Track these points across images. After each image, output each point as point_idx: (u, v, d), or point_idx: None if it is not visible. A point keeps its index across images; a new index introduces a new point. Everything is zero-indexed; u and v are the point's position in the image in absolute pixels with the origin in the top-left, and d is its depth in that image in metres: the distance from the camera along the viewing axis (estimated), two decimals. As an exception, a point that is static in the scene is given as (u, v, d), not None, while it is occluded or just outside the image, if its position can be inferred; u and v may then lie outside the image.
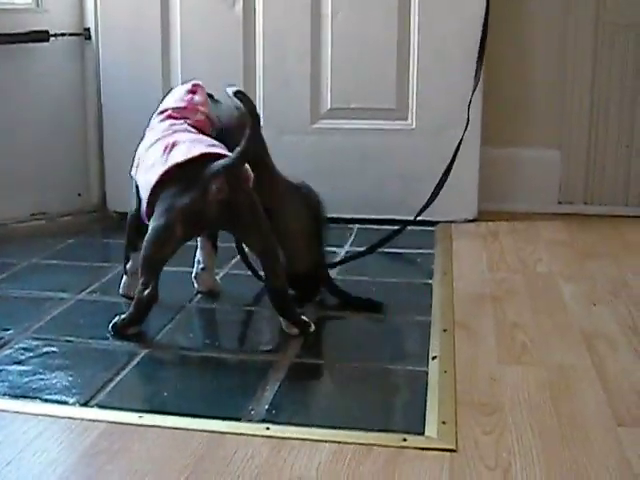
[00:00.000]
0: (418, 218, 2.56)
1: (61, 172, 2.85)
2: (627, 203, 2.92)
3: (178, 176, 1.75)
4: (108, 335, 1.81)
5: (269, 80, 2.76)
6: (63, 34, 2.77)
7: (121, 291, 2.08)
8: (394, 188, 2.73)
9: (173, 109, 1.95)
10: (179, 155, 1.77)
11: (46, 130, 2.80)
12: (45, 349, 1.74)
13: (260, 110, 2.69)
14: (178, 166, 1.75)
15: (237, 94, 1.74)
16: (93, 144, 2.91)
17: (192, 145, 1.80)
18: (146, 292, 1.77)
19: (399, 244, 2.44)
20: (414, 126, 2.73)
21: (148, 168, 1.83)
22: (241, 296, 2.09)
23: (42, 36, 2.70)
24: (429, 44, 2.69)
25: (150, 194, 1.79)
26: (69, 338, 1.81)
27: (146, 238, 1.77)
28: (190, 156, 1.75)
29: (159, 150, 1.83)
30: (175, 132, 1.87)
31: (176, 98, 1.99)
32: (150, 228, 1.77)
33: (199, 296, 2.08)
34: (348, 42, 2.72)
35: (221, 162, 1.73)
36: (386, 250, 2.40)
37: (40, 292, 2.12)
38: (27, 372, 1.63)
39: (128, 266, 2.05)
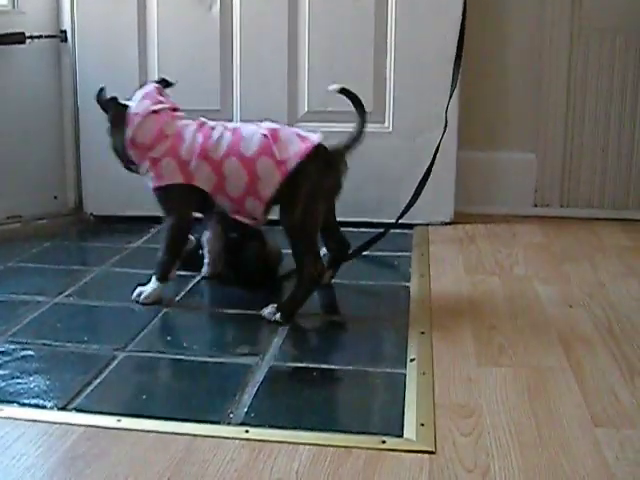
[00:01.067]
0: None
1: (37, 175, 2.84)
2: (603, 206, 2.94)
3: (314, 156, 1.95)
4: (90, 339, 1.81)
5: (246, 83, 2.76)
6: (39, 36, 2.76)
7: (146, 299, 2.05)
8: (371, 191, 2.74)
9: None
10: (315, 138, 1.99)
11: (22, 132, 2.79)
12: (22, 353, 1.74)
13: (237, 112, 2.72)
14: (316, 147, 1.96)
15: (342, 91, 2.09)
16: (69, 146, 2.90)
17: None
18: (319, 268, 1.92)
19: (376, 247, 2.44)
20: (391, 129, 2.74)
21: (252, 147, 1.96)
22: (220, 299, 2.08)
23: (18, 38, 2.69)
24: (406, 47, 2.70)
25: (295, 169, 1.92)
26: (46, 342, 1.80)
27: (301, 218, 1.92)
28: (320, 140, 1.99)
29: (259, 137, 1.97)
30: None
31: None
32: (301, 208, 1.92)
33: (177, 298, 2.08)
34: (325, 45, 2.73)
35: (342, 145, 2.05)
36: (364, 253, 2.40)
37: (16, 296, 2.11)
38: (4, 376, 1.62)
39: (170, 274, 2.06)
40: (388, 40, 2.71)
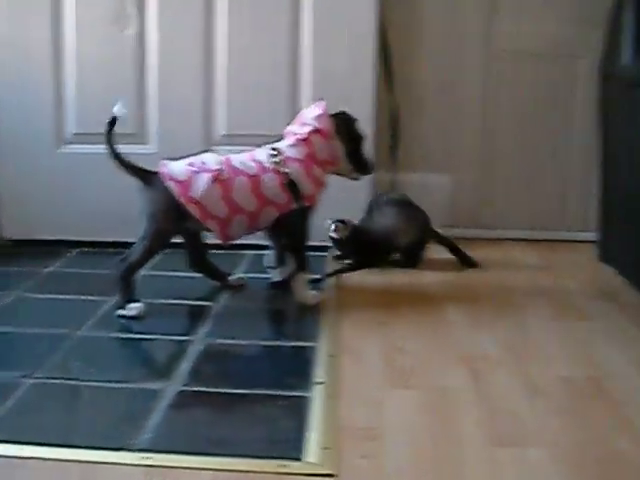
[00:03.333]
0: (312, 243, 2.56)
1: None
2: (517, 226, 3.01)
3: None
4: None
5: (162, 106, 2.76)
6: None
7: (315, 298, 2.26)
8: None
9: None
10: None
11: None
12: None
13: (153, 136, 2.73)
14: None
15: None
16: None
17: None
18: None
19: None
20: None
21: None
22: (130, 325, 2.08)
23: None
24: (321, 72, 2.73)
25: None
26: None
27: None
28: None
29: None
30: None
31: None
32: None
33: (88, 324, 2.07)
34: (240, 68, 2.75)
35: None
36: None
37: None
38: None
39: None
40: (302, 65, 2.74)
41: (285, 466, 1.38)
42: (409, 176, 2.98)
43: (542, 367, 1.84)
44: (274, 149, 2.22)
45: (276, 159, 2.19)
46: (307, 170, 2.20)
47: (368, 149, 2.40)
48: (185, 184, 2.10)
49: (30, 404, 1.64)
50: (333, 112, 2.27)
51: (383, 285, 2.44)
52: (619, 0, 2.46)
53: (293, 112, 2.74)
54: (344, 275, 2.53)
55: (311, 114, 2.27)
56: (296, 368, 1.84)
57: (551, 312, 2.22)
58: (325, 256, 2.69)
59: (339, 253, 2.67)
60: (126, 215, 2.25)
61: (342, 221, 2.58)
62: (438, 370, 1.82)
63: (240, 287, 2.37)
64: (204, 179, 2.10)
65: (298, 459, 1.41)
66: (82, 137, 2.77)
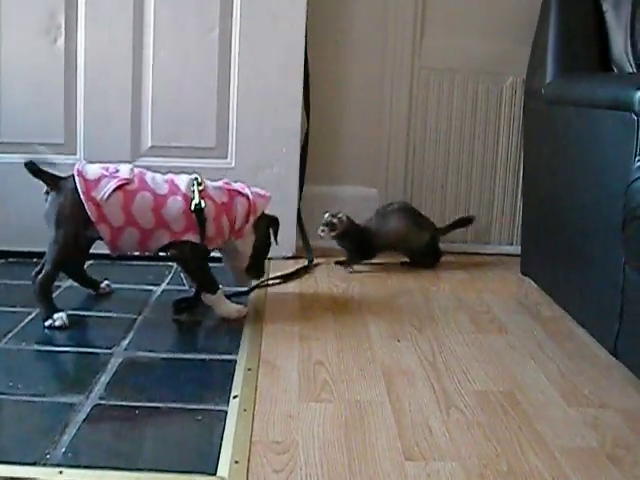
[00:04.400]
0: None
1: None
2: (442, 240, 3.02)
3: None
4: None
5: (90, 116, 2.74)
6: None
7: (239, 313, 2.27)
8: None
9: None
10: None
11: None
12: None
13: (81, 147, 2.71)
14: None
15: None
16: None
17: None
18: None
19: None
20: (234, 164, 2.77)
21: None
22: (49, 338, 2.07)
23: None
24: (248, 85, 2.75)
25: None
26: None
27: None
28: None
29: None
30: None
31: None
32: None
33: (9, 336, 2.05)
34: (169, 81, 2.75)
35: None
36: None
37: None
38: None
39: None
40: (231, 78, 2.75)
41: (196, 480, 1.40)
42: (338, 189, 3.01)
43: (459, 381, 1.88)
44: (198, 180, 2.22)
45: (195, 188, 2.19)
46: (217, 214, 2.19)
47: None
48: (91, 184, 2.11)
49: (-57, 418, 1.63)
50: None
51: (308, 299, 2.46)
52: (543, 20, 2.52)
53: (220, 125, 2.77)
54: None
55: (257, 190, 2.28)
56: (214, 381, 1.85)
57: (471, 325, 2.26)
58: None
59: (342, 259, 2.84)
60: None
61: (331, 223, 2.73)
62: (355, 384, 1.84)
63: (108, 294, 2.42)
64: (110, 184, 2.11)
65: (212, 473, 1.42)
66: (7, 146, 2.74)
